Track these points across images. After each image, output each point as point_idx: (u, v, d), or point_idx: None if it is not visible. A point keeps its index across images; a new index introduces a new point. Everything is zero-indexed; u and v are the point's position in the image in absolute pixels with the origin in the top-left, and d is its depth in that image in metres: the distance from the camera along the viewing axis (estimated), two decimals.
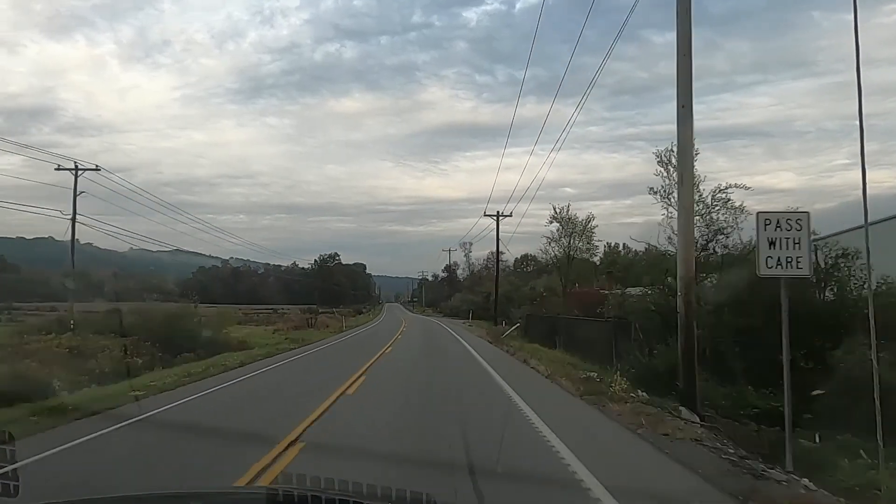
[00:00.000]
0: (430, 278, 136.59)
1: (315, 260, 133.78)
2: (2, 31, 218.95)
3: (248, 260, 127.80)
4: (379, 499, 2.02)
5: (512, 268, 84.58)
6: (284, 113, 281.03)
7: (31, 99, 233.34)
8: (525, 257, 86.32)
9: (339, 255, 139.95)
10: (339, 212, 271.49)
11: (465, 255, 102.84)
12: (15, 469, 2.85)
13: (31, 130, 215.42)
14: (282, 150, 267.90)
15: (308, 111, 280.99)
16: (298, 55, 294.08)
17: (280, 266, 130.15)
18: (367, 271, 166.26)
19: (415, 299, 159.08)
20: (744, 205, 16.55)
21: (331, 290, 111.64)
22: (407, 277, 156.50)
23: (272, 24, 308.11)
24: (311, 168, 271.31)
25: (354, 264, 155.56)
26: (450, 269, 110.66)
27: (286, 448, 7.10)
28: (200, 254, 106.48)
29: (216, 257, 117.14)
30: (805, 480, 6.35)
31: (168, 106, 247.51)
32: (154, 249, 51.67)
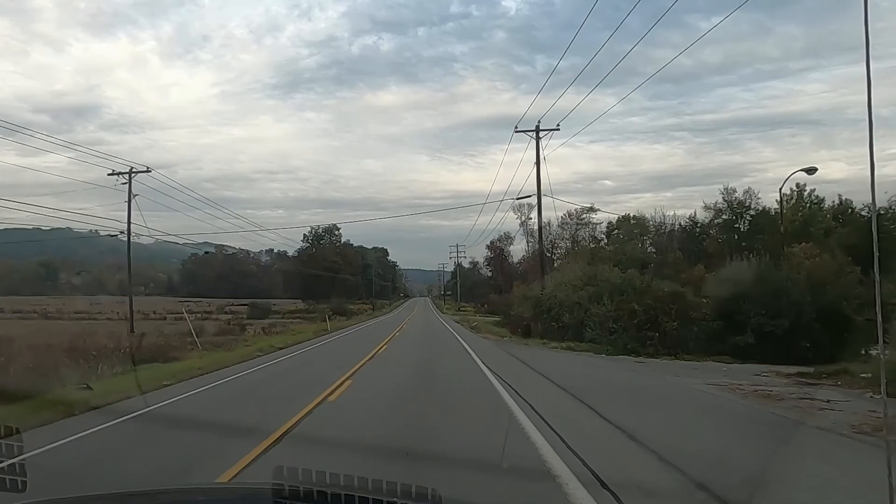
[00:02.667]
0: (466, 265, 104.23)
1: (304, 235, 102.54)
2: (48, 30, 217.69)
3: (243, 249, 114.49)
4: (384, 494, 2.07)
5: (603, 234, 55.05)
6: (322, 107, 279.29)
7: (76, 97, 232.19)
8: (626, 218, 54.58)
9: (339, 229, 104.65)
10: (376, 206, 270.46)
11: (522, 223, 60.82)
12: (23, 464, 2.86)
13: (77, 128, 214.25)
14: (319, 144, 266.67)
15: (345, 105, 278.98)
16: (336, 48, 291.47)
17: (285, 253, 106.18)
18: (391, 258, 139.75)
19: (448, 293, 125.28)
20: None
21: (321, 277, 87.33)
22: (443, 270, 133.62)
23: (309, 18, 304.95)
24: (348, 163, 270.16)
25: (373, 248, 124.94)
26: (498, 246, 68.22)
27: None
28: (229, 246, 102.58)
29: (245, 250, 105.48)
30: None
31: (207, 102, 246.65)
32: (180, 242, 51.37)
